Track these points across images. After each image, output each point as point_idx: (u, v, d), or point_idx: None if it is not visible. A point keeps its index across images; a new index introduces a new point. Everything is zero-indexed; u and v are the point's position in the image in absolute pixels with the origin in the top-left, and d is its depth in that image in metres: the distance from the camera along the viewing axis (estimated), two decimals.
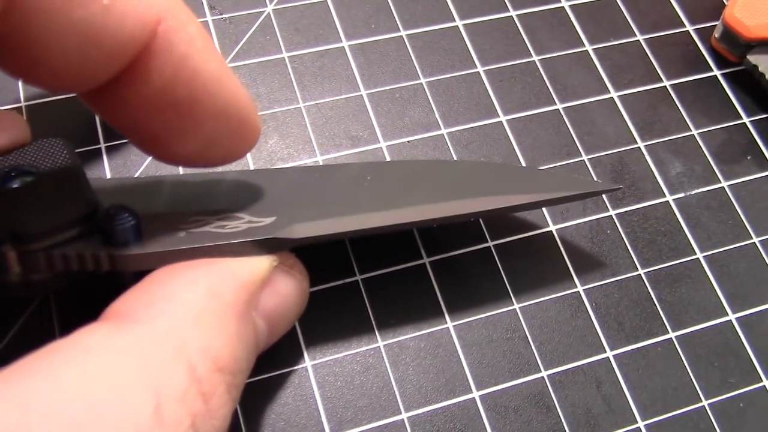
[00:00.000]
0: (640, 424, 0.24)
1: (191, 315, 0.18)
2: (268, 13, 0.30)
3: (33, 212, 0.19)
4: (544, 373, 0.25)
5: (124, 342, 0.16)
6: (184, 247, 0.20)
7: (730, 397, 0.25)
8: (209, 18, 0.30)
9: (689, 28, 0.32)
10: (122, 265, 0.20)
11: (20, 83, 0.27)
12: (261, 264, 0.20)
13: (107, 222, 0.19)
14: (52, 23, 0.16)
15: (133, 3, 0.17)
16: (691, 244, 0.28)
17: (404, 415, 0.24)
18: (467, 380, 0.24)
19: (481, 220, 0.27)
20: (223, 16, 0.30)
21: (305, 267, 0.22)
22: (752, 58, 0.30)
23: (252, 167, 0.27)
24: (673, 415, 0.24)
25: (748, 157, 0.30)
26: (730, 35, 0.31)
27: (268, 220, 0.21)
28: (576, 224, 0.27)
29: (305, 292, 0.22)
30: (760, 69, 0.30)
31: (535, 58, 0.31)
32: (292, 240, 0.21)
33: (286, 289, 0.21)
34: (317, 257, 0.25)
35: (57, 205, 0.19)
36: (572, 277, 0.26)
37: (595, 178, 0.28)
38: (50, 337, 0.22)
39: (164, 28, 0.18)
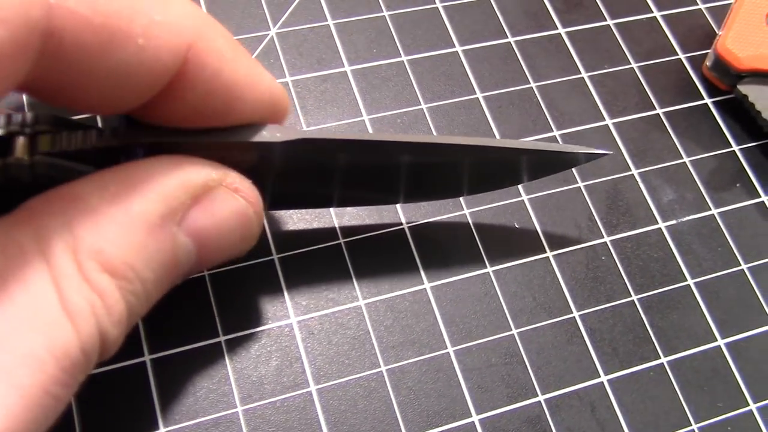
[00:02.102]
0: None
1: (89, 217, 0.18)
2: (272, 36, 0.31)
3: None
4: (540, 398, 0.25)
5: (20, 235, 0.17)
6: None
7: (719, 420, 0.26)
8: None
9: (681, 56, 0.33)
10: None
11: None
12: (192, 178, 0.20)
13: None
14: (92, 67, 0.17)
15: (165, 36, 0.18)
16: (682, 270, 0.28)
17: None
18: (467, 404, 0.25)
19: (480, 244, 0.27)
20: None
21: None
22: (742, 88, 0.31)
23: None
24: None
25: (737, 185, 0.31)
26: (721, 65, 0.32)
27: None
28: (572, 250, 0.28)
29: (251, 220, 0.22)
30: (750, 99, 0.31)
31: (533, 84, 0.31)
32: (275, 144, 0.21)
33: (223, 211, 0.20)
34: (321, 279, 0.26)
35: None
36: (568, 302, 0.27)
37: (591, 205, 0.29)
38: None
39: (194, 51, 0.19)
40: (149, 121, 0.20)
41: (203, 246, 0.20)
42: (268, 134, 0.21)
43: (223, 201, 0.20)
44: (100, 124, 0.24)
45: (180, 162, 0.20)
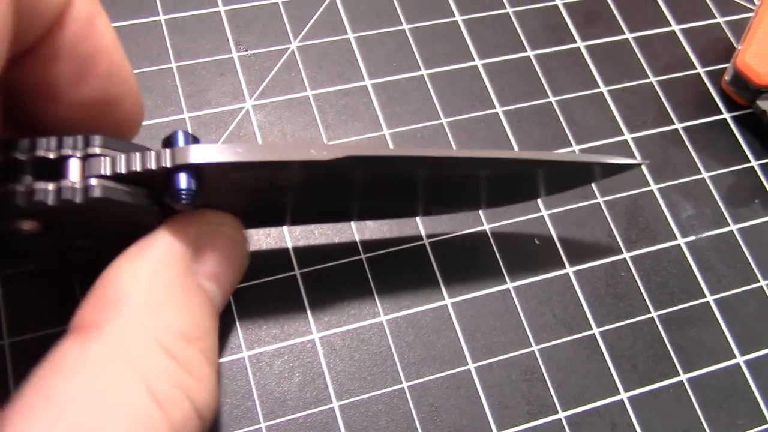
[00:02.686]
0: None
1: (143, 305, 0.19)
2: (293, 50, 0.31)
3: None
4: (561, 415, 0.26)
5: (97, 350, 0.18)
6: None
7: None
8: (235, 54, 0.30)
9: (700, 70, 0.33)
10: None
11: None
12: (188, 234, 0.21)
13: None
14: None
15: None
16: (701, 286, 0.29)
17: None
18: (488, 421, 0.25)
19: (500, 259, 0.28)
20: (248, 52, 0.30)
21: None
22: (762, 104, 0.31)
23: None
24: None
25: (756, 201, 0.31)
26: (740, 80, 0.32)
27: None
28: (592, 266, 0.28)
29: (241, 243, 0.23)
30: None
31: (552, 99, 0.31)
32: (325, 162, 0.21)
33: (221, 247, 0.22)
34: (343, 295, 0.26)
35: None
36: (588, 318, 0.27)
37: (610, 221, 0.29)
38: None
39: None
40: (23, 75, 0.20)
41: (220, 282, 0.22)
42: (316, 153, 0.21)
43: (218, 239, 0.22)
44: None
45: (168, 224, 0.21)
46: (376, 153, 0.23)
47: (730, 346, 0.28)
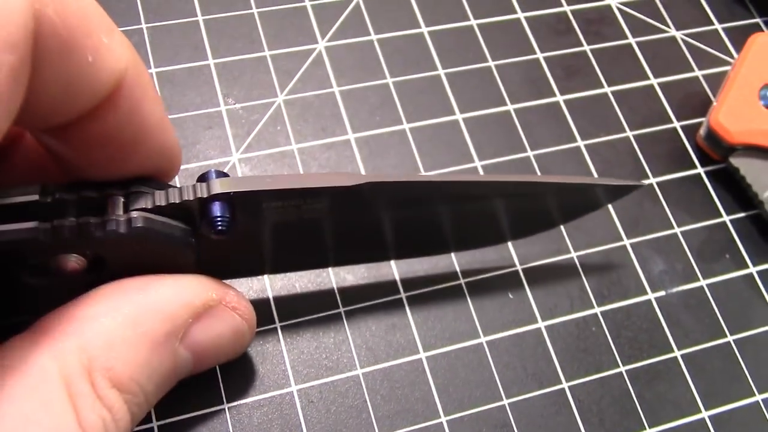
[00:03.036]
0: None
1: (103, 338, 0.20)
2: (279, 103, 0.32)
3: None
4: None
5: (41, 359, 0.19)
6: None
7: None
8: (223, 107, 0.31)
9: (676, 124, 0.34)
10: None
11: None
12: (193, 298, 0.22)
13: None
14: (47, 75, 0.18)
15: (109, 58, 0.19)
16: (670, 342, 0.29)
17: None
18: None
19: (474, 313, 0.29)
20: (237, 105, 0.31)
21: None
22: (734, 161, 0.32)
23: None
24: None
25: (727, 256, 0.32)
26: (714, 137, 0.32)
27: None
28: (564, 321, 0.29)
29: (245, 335, 0.24)
30: (741, 172, 0.32)
31: (530, 153, 0.32)
32: (348, 188, 0.23)
33: (221, 328, 0.23)
34: (321, 347, 0.27)
35: None
36: (558, 373, 0.28)
37: (583, 275, 0.30)
38: None
39: (127, 79, 0.20)
40: (67, 142, 0.21)
41: (199, 357, 0.23)
42: (339, 180, 0.23)
43: (221, 319, 0.23)
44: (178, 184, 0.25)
45: (185, 282, 0.22)
46: (393, 179, 0.24)
47: (695, 400, 0.29)
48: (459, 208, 0.26)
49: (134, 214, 0.21)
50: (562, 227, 0.31)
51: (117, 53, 0.19)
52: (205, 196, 0.22)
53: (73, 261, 0.21)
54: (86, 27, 0.18)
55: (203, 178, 0.22)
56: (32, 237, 0.19)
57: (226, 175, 0.22)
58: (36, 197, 0.20)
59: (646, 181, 0.33)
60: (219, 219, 0.21)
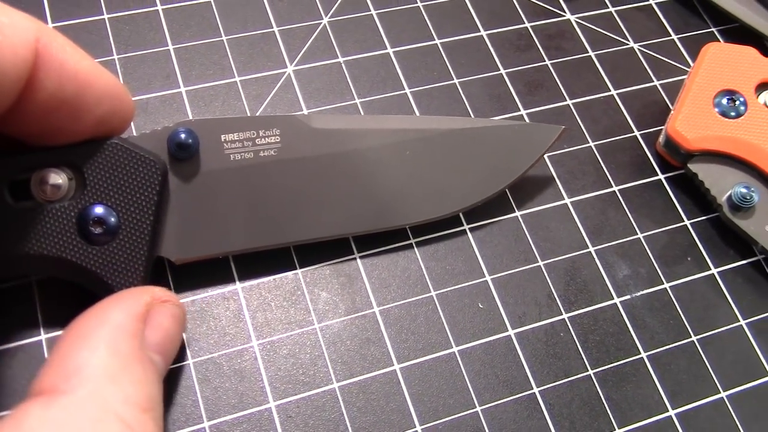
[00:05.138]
0: None
1: (103, 375, 0.21)
2: None
3: None
4: None
5: (58, 415, 0.20)
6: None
7: None
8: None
9: (637, 133, 0.36)
10: None
11: None
12: (137, 307, 0.24)
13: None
14: None
15: (16, 32, 0.21)
16: (636, 344, 0.30)
17: None
18: None
19: (446, 324, 0.29)
20: None
21: None
22: (692, 167, 0.33)
23: None
24: None
25: (689, 258, 0.33)
26: (672, 144, 0.34)
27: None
28: (533, 328, 0.30)
29: (180, 318, 0.26)
30: (699, 177, 0.33)
31: None
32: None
33: (164, 322, 0.25)
34: (297, 364, 0.27)
35: None
36: (529, 378, 0.29)
37: (550, 283, 0.31)
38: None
39: (42, 44, 0.22)
40: (14, 126, 0.24)
41: (163, 354, 0.24)
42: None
43: (162, 314, 0.25)
44: None
45: (123, 296, 0.24)
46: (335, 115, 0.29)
47: (662, 400, 0.30)
48: (396, 158, 0.30)
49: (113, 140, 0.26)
50: (527, 235, 0.32)
51: (22, 26, 0.21)
52: (171, 125, 0.27)
53: (55, 174, 0.24)
54: None
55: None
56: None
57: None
58: None
59: (608, 189, 0.34)
60: (183, 136, 0.27)
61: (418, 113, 0.34)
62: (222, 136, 0.28)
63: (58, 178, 0.25)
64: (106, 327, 0.22)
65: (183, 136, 0.27)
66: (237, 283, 0.29)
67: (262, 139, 0.28)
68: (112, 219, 0.25)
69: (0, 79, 0.21)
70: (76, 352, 0.22)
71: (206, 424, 0.27)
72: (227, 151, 0.28)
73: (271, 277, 0.30)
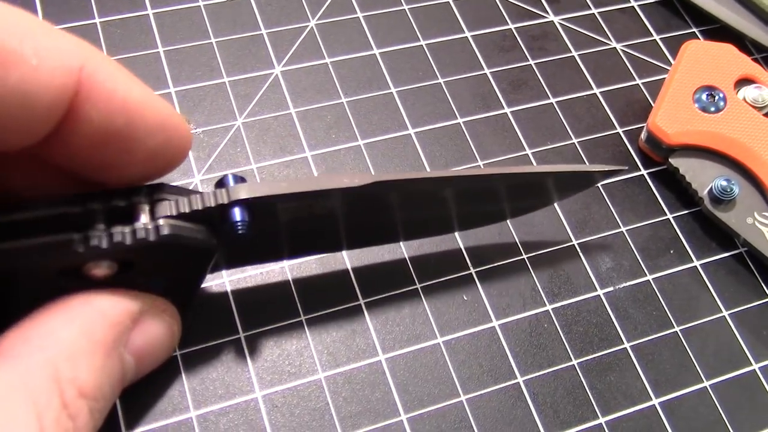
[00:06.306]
0: None
1: (64, 350, 0.21)
2: (238, 126, 0.33)
3: None
4: None
5: (8, 376, 0.20)
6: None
7: None
8: None
9: (619, 130, 0.36)
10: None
11: None
12: (131, 305, 0.24)
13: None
14: None
15: (56, 57, 0.19)
16: (619, 334, 0.31)
17: None
18: None
19: (431, 316, 0.30)
20: (198, 129, 0.33)
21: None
22: (674, 161, 0.34)
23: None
24: None
25: (671, 251, 0.33)
26: (653, 140, 0.34)
27: None
28: (517, 319, 0.31)
29: (174, 335, 0.26)
30: (680, 171, 0.34)
31: (480, 162, 0.34)
32: (357, 188, 0.25)
33: (155, 331, 0.25)
34: (283, 354, 0.28)
35: None
36: (513, 368, 0.29)
37: (534, 276, 0.32)
38: None
39: (87, 72, 0.20)
40: (61, 156, 0.22)
41: (141, 361, 0.24)
42: (349, 181, 0.25)
43: (155, 323, 0.25)
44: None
45: (121, 292, 0.23)
46: (396, 177, 0.26)
47: (646, 389, 0.30)
48: (459, 197, 0.29)
49: (161, 221, 0.23)
50: (512, 230, 0.32)
51: (65, 50, 0.20)
52: (226, 202, 0.23)
53: (105, 267, 0.23)
54: (17, 35, 0.18)
55: (221, 183, 0.24)
56: (68, 246, 0.21)
57: (243, 179, 0.25)
58: (67, 208, 0.22)
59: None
60: (240, 223, 0.23)
61: (403, 112, 0.35)
62: (279, 205, 0.25)
63: (101, 270, 0.23)
64: (89, 308, 0.22)
65: (239, 220, 0.23)
66: (224, 276, 0.30)
67: (320, 204, 0.26)
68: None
69: (32, 106, 0.19)
70: (51, 320, 0.22)
71: (193, 413, 0.27)
72: (281, 213, 0.26)
73: (259, 271, 0.30)
